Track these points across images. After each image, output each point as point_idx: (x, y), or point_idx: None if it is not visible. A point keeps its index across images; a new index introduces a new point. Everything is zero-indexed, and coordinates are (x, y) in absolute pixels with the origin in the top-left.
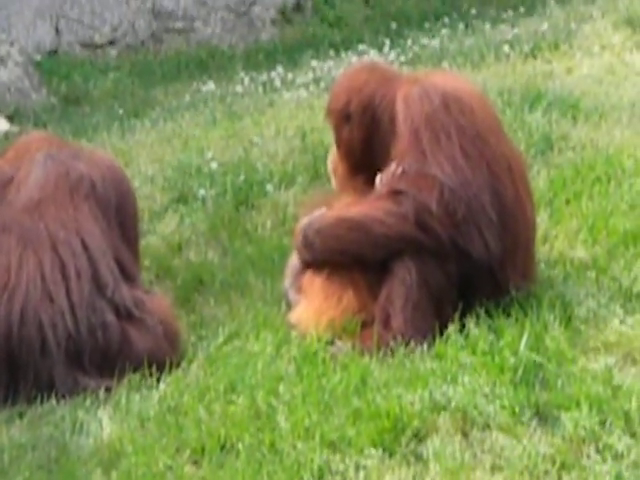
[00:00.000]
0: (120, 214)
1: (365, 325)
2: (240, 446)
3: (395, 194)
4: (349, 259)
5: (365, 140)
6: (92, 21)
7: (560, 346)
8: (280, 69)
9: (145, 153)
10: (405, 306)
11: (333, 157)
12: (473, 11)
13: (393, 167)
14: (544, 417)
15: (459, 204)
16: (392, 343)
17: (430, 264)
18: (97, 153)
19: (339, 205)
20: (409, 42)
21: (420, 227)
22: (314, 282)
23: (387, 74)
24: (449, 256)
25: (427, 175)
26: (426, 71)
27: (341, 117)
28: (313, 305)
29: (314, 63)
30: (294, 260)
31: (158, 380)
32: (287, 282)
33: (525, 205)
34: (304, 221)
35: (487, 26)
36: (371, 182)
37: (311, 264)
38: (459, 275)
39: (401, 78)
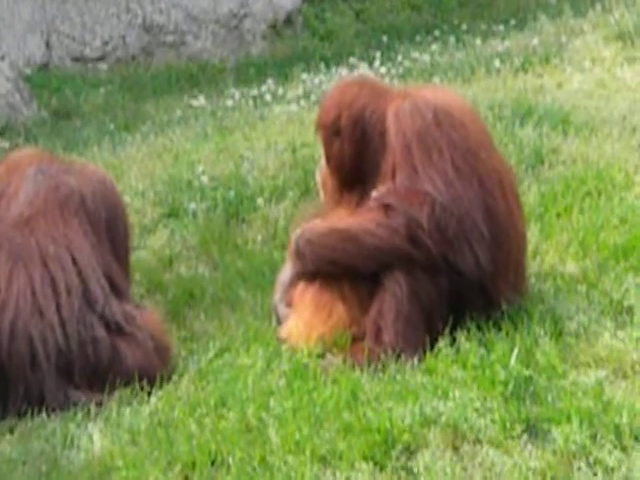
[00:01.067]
0: (111, 228)
1: (355, 339)
2: (231, 460)
3: (386, 208)
4: (339, 270)
5: (355, 155)
6: (83, 35)
7: (551, 360)
8: (271, 83)
9: (136, 167)
10: (396, 320)
11: (322, 171)
12: (464, 25)
13: (387, 185)
14: (535, 431)
15: (450, 220)
16: (383, 357)
17: (421, 278)
18: (88, 167)
19: (330, 217)
20: (400, 56)
21: (411, 241)
22: (304, 296)
23: (377, 88)
24: (440, 270)
25: (418, 190)
26: (416, 85)
27: (331, 131)
28: (303, 319)
29: (305, 77)
30: (284, 274)
31: (149, 394)
32: (277, 296)
33: (516, 219)
34: (296, 232)
35: (478, 40)
36: (361, 196)
37: (303, 274)
38: (450, 289)
39: (391, 92)
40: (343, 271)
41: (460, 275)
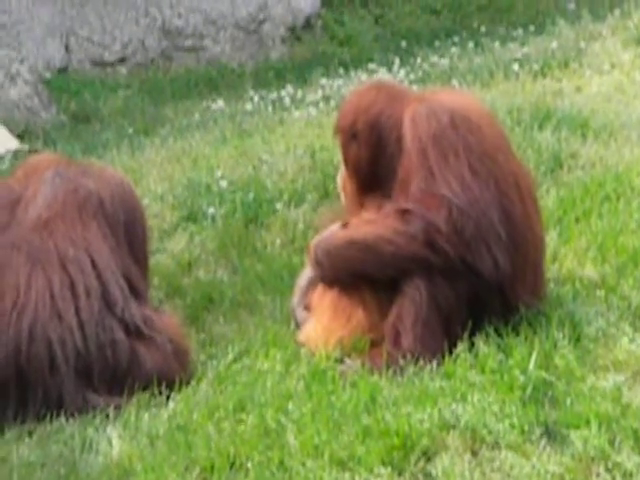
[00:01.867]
0: (129, 231)
1: (374, 344)
2: (249, 464)
3: (403, 213)
4: (358, 279)
5: (372, 159)
6: (102, 39)
7: (569, 364)
8: (290, 87)
9: (155, 171)
10: (415, 324)
11: (342, 175)
12: (483, 29)
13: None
14: (553, 435)
15: (468, 223)
16: (401, 361)
17: (440, 283)
18: (106, 170)
19: (349, 224)
20: (419, 60)
21: (429, 246)
22: (323, 300)
23: (394, 93)
24: (459, 275)
25: (435, 194)
26: (433, 89)
27: (348, 136)
28: (322, 323)
29: (324, 81)
30: (302, 278)
31: (167, 398)
32: (295, 300)
33: (533, 223)
34: (315, 239)
35: (497, 44)
36: (380, 200)
37: (322, 281)
38: (469, 293)
39: (408, 97)
40: (361, 280)
41: (479, 277)
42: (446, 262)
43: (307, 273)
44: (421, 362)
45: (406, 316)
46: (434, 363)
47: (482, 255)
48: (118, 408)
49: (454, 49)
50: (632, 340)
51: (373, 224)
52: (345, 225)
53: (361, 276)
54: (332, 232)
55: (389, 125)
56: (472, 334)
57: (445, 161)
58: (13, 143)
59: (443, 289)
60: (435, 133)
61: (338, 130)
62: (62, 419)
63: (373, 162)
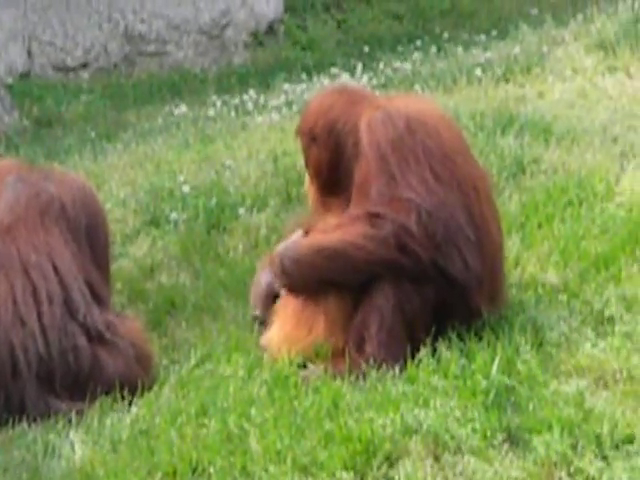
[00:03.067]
0: (91, 236)
1: (337, 350)
2: (212, 469)
3: (372, 217)
4: (327, 286)
5: (331, 162)
6: (64, 44)
7: (532, 370)
8: (252, 92)
9: (117, 176)
10: (380, 331)
11: (307, 176)
12: (445, 34)
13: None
14: (516, 441)
15: (437, 225)
16: (364, 367)
17: (407, 289)
18: (68, 175)
19: (315, 230)
20: (381, 65)
21: (400, 250)
22: (287, 308)
23: (354, 97)
24: (426, 280)
25: (401, 198)
26: (391, 95)
27: (308, 138)
28: (284, 332)
29: (286, 86)
30: (259, 285)
31: (130, 403)
32: (257, 311)
33: (490, 226)
34: (280, 247)
35: (459, 49)
36: (342, 201)
37: (290, 290)
38: (435, 300)
39: (366, 102)
40: (331, 287)
41: (450, 280)
42: (417, 265)
43: (264, 279)
44: (384, 367)
45: (371, 322)
46: (397, 368)
47: (453, 257)
48: (80, 413)
49: (417, 54)
50: (594, 345)
51: (341, 229)
52: (307, 232)
53: (330, 283)
54: (296, 240)
55: (346, 129)
56: (435, 339)
57: (407, 166)
58: None
59: (409, 296)
60: (393, 139)
61: (299, 132)
62: (24, 424)
63: (332, 165)
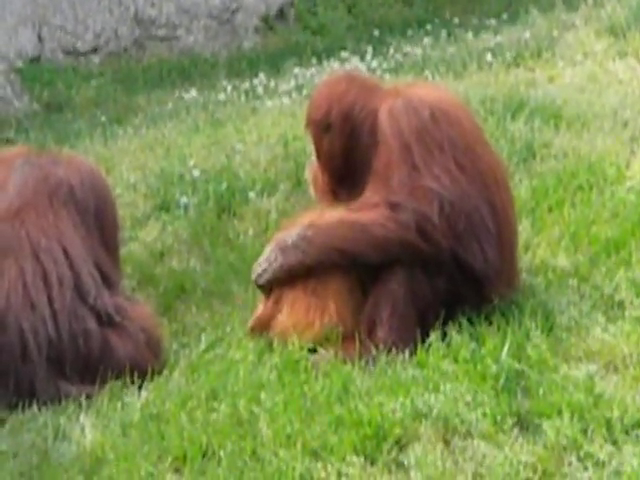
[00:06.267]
0: (99, 219)
1: (347, 335)
2: (222, 453)
3: (393, 206)
4: (347, 260)
5: (346, 150)
6: (75, 28)
7: (542, 354)
8: (263, 77)
9: (127, 160)
10: (392, 316)
11: (312, 168)
12: (456, 19)
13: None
14: (526, 425)
15: (459, 216)
16: (374, 351)
17: (419, 276)
18: (76, 158)
19: (332, 211)
20: (392, 50)
21: (421, 235)
22: (295, 293)
23: (367, 84)
24: (444, 268)
25: (424, 188)
26: (406, 83)
27: (321, 127)
28: (295, 317)
29: (297, 71)
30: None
31: (140, 387)
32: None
33: (509, 214)
34: (287, 231)
35: (470, 34)
36: (352, 192)
37: (305, 261)
38: (447, 286)
39: (382, 89)
40: (350, 262)
41: (468, 271)
42: (437, 253)
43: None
44: (394, 352)
45: (383, 307)
46: (407, 353)
47: (473, 250)
48: (90, 397)
49: (427, 39)
50: (605, 330)
51: (363, 212)
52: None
53: (351, 256)
54: (320, 215)
55: (362, 116)
56: (445, 323)
57: (430, 156)
58: None
59: (422, 281)
60: (417, 128)
61: (310, 122)
62: (34, 408)
63: (347, 153)
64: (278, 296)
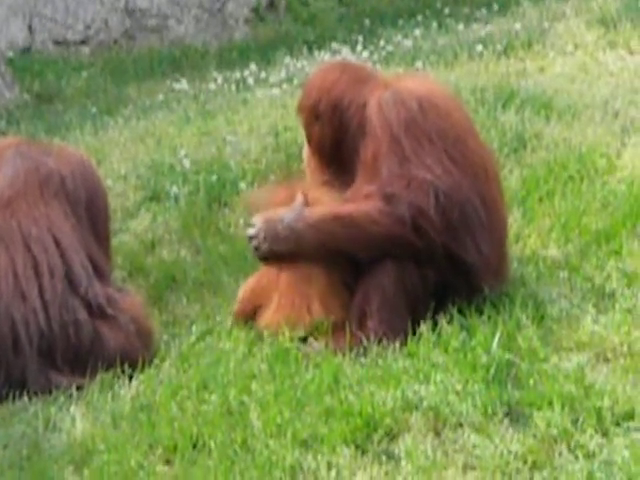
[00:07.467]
0: (90, 210)
1: (337, 326)
2: (212, 444)
3: (388, 197)
4: (337, 255)
5: (334, 139)
6: (65, 19)
7: (532, 345)
8: (253, 67)
9: (118, 151)
10: (382, 307)
11: (306, 151)
12: (446, 10)
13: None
14: (516, 416)
15: (453, 208)
16: (365, 342)
17: (410, 267)
18: (67, 149)
19: (321, 203)
20: (382, 41)
21: (416, 230)
22: (279, 289)
23: (358, 75)
24: (436, 262)
25: (419, 178)
26: (396, 75)
27: (311, 115)
28: (282, 313)
29: (287, 61)
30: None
31: (130, 378)
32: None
33: (499, 205)
34: (283, 213)
35: (460, 25)
36: (342, 176)
37: (297, 256)
38: (437, 277)
39: (372, 81)
40: (341, 258)
41: (460, 264)
42: (430, 247)
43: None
44: (384, 342)
45: (373, 298)
46: (397, 343)
47: (466, 243)
48: (81, 388)
49: (418, 29)
50: (595, 321)
51: (357, 204)
52: (307, 200)
53: (343, 253)
54: (302, 208)
55: (352, 108)
56: (435, 314)
57: (421, 147)
58: None
59: (411, 272)
60: (406, 120)
61: (301, 109)
62: (25, 399)
63: (336, 142)
64: (257, 281)
